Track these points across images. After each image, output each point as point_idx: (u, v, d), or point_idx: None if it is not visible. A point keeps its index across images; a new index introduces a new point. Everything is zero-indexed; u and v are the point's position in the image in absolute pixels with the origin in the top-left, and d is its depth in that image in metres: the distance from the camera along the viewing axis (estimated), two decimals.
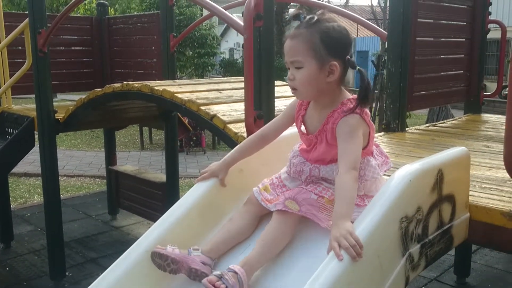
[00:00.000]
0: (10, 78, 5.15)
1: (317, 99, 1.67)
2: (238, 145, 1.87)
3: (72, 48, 6.10)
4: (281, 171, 1.80)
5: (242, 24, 2.53)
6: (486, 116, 4.11)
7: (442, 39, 3.70)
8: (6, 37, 5.09)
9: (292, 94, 1.69)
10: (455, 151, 1.84)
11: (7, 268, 5.24)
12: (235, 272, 1.49)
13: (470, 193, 1.92)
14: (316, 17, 1.59)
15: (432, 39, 3.58)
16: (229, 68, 20.32)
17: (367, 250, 1.35)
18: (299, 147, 1.76)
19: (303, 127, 1.73)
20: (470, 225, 1.90)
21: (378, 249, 1.42)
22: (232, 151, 1.86)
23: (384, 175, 1.77)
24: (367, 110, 1.62)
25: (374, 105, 10.63)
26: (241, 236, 1.71)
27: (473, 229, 1.90)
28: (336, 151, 1.57)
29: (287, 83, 1.71)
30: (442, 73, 3.76)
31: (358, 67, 1.58)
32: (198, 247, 1.63)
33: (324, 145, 1.64)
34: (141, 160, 10.42)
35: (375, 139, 1.72)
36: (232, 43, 31.60)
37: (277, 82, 3.16)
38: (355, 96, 1.61)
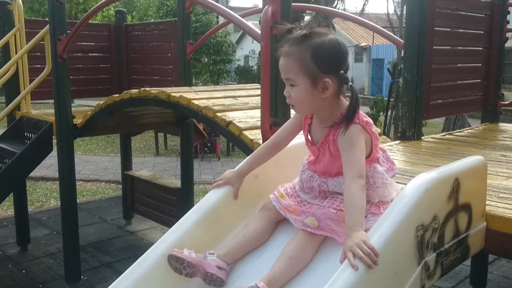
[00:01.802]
0: (29, 84, 5.26)
1: (316, 112, 1.68)
2: (251, 154, 1.88)
3: (90, 54, 6.18)
4: (295, 181, 1.80)
5: (259, 31, 2.55)
6: (503, 126, 4.06)
7: (459, 47, 3.68)
8: (26, 43, 5.20)
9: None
10: (472, 160, 1.82)
11: (24, 271, 5.32)
12: None
13: (487, 202, 1.91)
14: (307, 32, 1.58)
15: (449, 47, 3.56)
16: (244, 75, 20.40)
17: (382, 257, 1.35)
18: (307, 159, 1.76)
19: (309, 136, 1.74)
20: (486, 235, 1.88)
21: (393, 257, 1.42)
22: (245, 160, 1.87)
23: (400, 183, 1.77)
24: (368, 119, 1.61)
25: (389, 113, 10.59)
26: (257, 241, 1.72)
27: (489, 239, 1.89)
28: (341, 162, 1.57)
29: None
30: (459, 82, 3.74)
31: (350, 83, 1.57)
32: (214, 252, 1.64)
33: (328, 156, 1.64)
34: (156, 166, 10.50)
35: (389, 147, 1.72)
36: (247, 50, 31.75)
37: None
38: None
